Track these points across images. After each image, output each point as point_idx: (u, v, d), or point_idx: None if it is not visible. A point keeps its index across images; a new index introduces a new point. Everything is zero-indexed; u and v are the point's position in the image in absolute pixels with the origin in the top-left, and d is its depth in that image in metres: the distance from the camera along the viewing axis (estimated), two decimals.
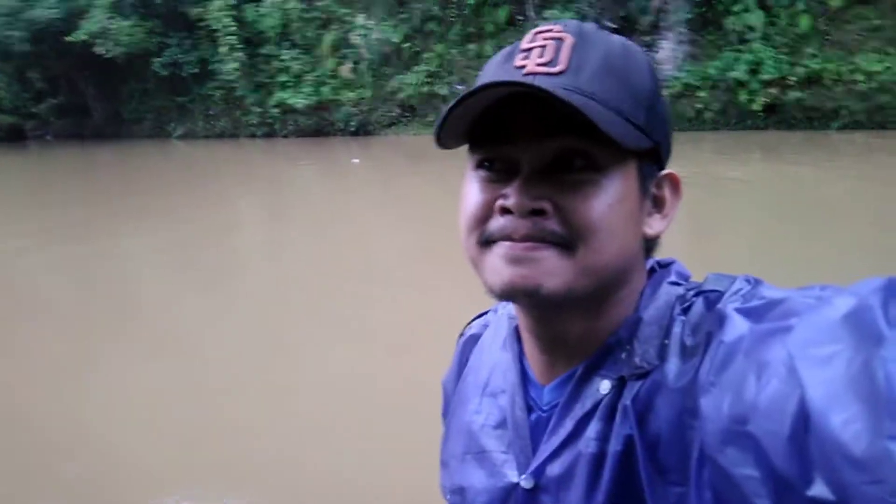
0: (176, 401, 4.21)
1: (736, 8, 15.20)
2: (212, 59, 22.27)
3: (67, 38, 22.23)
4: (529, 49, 0.65)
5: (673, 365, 0.62)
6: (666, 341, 0.64)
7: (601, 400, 0.66)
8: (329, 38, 20.75)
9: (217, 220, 10.18)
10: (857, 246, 6.33)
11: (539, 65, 0.63)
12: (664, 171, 0.70)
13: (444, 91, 19.05)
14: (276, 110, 21.70)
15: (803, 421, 0.45)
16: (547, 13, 17.34)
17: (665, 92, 0.71)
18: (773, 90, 14.69)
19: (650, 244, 0.71)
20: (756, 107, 14.87)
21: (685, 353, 0.61)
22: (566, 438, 0.67)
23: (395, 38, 19.71)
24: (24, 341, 5.43)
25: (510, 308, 0.82)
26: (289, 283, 6.70)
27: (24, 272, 7.64)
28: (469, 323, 0.94)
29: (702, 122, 15.63)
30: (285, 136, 21.82)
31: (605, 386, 0.66)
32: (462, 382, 0.87)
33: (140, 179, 15.45)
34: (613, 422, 0.64)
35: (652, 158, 0.67)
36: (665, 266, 0.73)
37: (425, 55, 19.50)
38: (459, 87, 18.60)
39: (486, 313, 0.92)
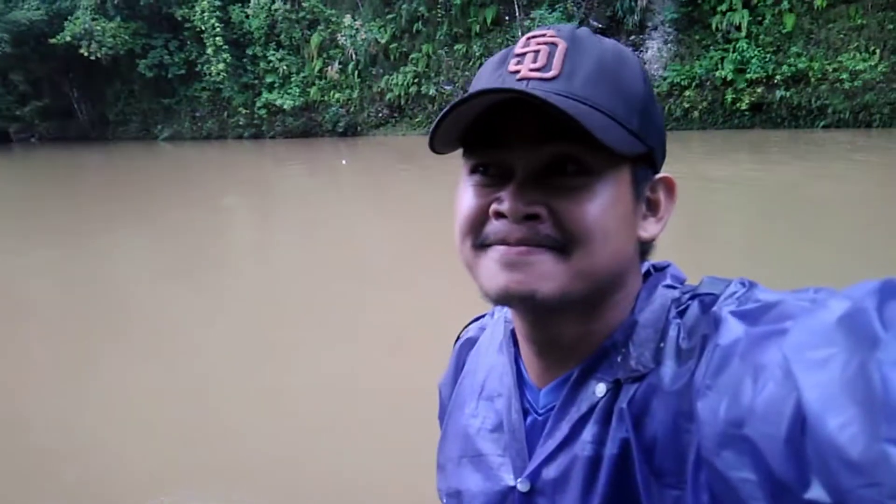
0: (172, 402, 4.20)
1: (721, 7, 15.31)
2: (198, 60, 22.16)
3: (51, 40, 22.07)
4: (523, 54, 0.65)
5: (669, 368, 0.62)
6: (661, 344, 0.64)
7: (597, 403, 0.66)
8: (316, 38, 20.71)
9: (206, 223, 10.14)
10: (845, 244, 6.39)
11: (532, 70, 0.63)
12: (659, 175, 0.70)
13: (431, 91, 19.07)
14: (263, 111, 21.65)
15: (800, 424, 0.44)
16: (534, 13, 17.39)
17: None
18: (760, 89, 14.82)
19: (645, 247, 0.71)
20: (743, 105, 15.00)
21: (681, 356, 0.62)
22: (562, 442, 0.67)
23: (383, 39, 19.71)
24: (17, 344, 5.39)
25: (507, 311, 0.82)
26: (281, 284, 6.69)
27: (12, 275, 7.58)
28: (466, 326, 0.94)
29: (689, 121, 15.73)
30: (273, 138, 21.78)
31: (600, 389, 0.66)
32: (458, 386, 0.86)
33: (127, 182, 15.36)
34: (609, 425, 0.64)
35: (646, 162, 0.67)
36: (660, 269, 0.73)
37: (413, 55, 19.51)
38: (447, 87, 18.63)
39: (482, 317, 0.92)
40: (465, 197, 0.67)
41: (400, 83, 19.46)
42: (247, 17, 21.06)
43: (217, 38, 20.82)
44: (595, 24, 16.26)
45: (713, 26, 15.47)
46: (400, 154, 16.75)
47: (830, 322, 0.47)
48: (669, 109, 15.61)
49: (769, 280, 0.62)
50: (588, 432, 0.65)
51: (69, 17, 22.21)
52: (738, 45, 15.04)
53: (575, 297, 0.63)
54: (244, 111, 22.04)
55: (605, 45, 0.66)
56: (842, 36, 14.34)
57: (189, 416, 4.03)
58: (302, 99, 20.88)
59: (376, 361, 4.61)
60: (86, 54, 22.02)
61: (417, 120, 19.67)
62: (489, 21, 18.30)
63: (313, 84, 20.90)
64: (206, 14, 20.79)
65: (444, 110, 0.60)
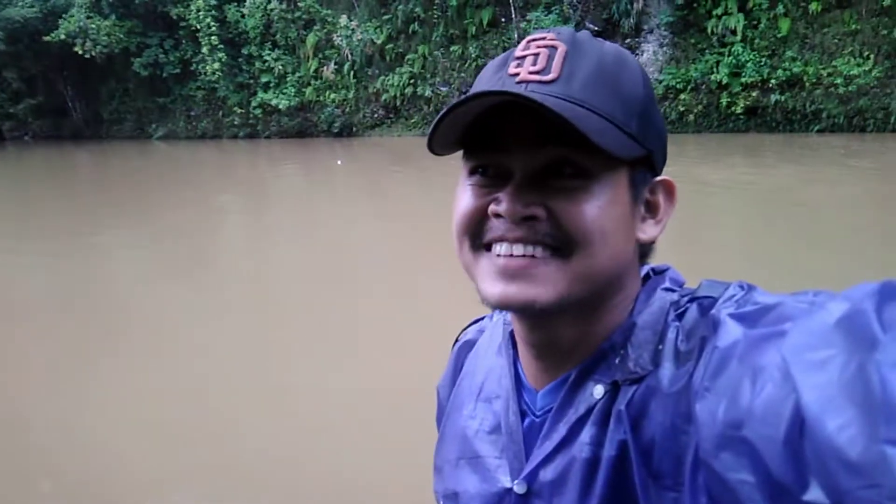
0: (171, 402, 4.19)
1: (717, 11, 15.36)
2: (193, 59, 22.11)
3: (45, 38, 21.97)
4: (523, 57, 0.65)
5: (667, 370, 0.62)
6: (660, 347, 0.64)
7: (595, 405, 0.66)
8: (312, 38, 20.69)
9: (201, 223, 10.12)
10: (839, 247, 6.42)
11: (532, 73, 0.63)
12: (659, 178, 0.70)
13: (427, 92, 19.08)
14: (258, 111, 21.61)
15: (798, 426, 0.45)
16: (530, 15, 17.42)
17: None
18: (755, 93, 14.88)
19: (645, 250, 0.71)
20: (738, 109, 15.05)
21: (679, 358, 0.62)
22: (559, 443, 0.67)
23: (379, 40, 19.71)
24: (14, 344, 5.36)
25: (506, 314, 0.82)
26: (279, 284, 6.68)
27: (8, 274, 7.54)
28: (464, 329, 0.94)
29: (685, 124, 15.78)
30: (268, 137, 21.74)
31: (598, 391, 0.66)
32: (457, 388, 0.86)
33: (122, 181, 15.31)
34: (607, 427, 0.64)
35: (645, 165, 0.68)
36: (659, 272, 0.73)
37: (409, 56, 19.51)
38: (443, 88, 18.64)
39: (481, 319, 0.92)
40: (464, 197, 0.67)
41: (396, 84, 19.46)
42: (242, 16, 21.03)
43: (212, 38, 20.77)
44: (591, 26, 16.30)
45: (709, 30, 15.52)
46: (395, 155, 16.75)
47: (829, 324, 0.47)
48: (665, 113, 15.65)
49: (765, 283, 0.63)
50: (586, 434, 0.65)
51: (64, 15, 22.12)
52: (733, 49, 15.10)
53: (574, 301, 0.64)
54: (239, 111, 22.00)
55: (606, 49, 0.66)
56: (836, 41, 14.42)
57: (188, 416, 4.02)
58: (297, 99, 20.86)
59: (375, 362, 4.61)
60: (80, 52, 21.94)
61: (413, 121, 19.67)
62: (485, 23, 18.32)
63: (309, 84, 20.88)
64: (201, 13, 20.75)
65: (443, 111, 0.61)
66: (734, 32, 15.19)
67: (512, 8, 17.80)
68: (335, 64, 20.50)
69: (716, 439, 0.51)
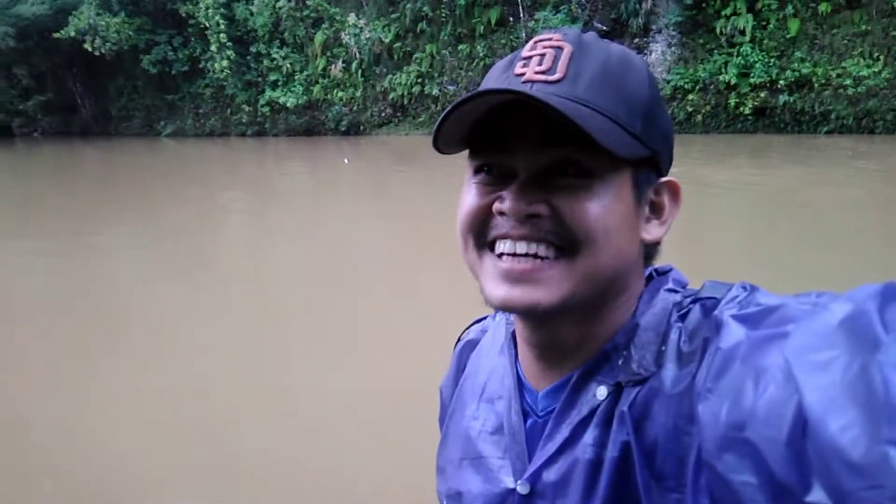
0: (171, 402, 4.19)
1: (726, 11, 15.30)
2: (202, 56, 22.18)
3: (55, 35, 22.07)
4: (529, 57, 0.66)
5: (670, 371, 0.62)
6: (663, 348, 0.64)
7: (598, 406, 0.66)
8: (320, 37, 20.71)
9: (207, 221, 10.15)
10: (841, 249, 6.39)
11: (537, 73, 0.64)
12: (664, 179, 0.70)
13: (435, 91, 19.08)
14: (266, 109, 21.66)
15: (801, 427, 0.45)
16: (538, 14, 17.40)
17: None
18: (763, 93, 14.82)
19: (650, 251, 0.71)
20: (746, 110, 14.99)
21: (682, 359, 0.62)
22: (562, 444, 0.67)
23: (387, 38, 19.72)
24: (15, 343, 5.37)
25: (506, 313, 0.82)
26: (281, 283, 6.69)
27: (11, 272, 7.58)
28: (467, 328, 0.94)
29: (692, 125, 15.73)
30: (276, 135, 21.79)
31: (601, 392, 0.66)
32: (460, 388, 0.86)
33: (129, 178, 15.37)
34: (610, 428, 0.64)
35: (649, 166, 0.68)
36: (663, 273, 0.73)
37: (416, 55, 19.52)
38: (451, 87, 18.63)
39: (484, 319, 0.92)
40: (469, 196, 0.68)
41: (403, 83, 19.47)
42: (251, 14, 21.08)
43: (221, 35, 20.83)
44: (599, 26, 16.27)
45: (717, 30, 15.47)
46: (402, 154, 16.77)
47: (832, 325, 0.47)
48: (672, 113, 15.61)
49: (768, 284, 0.63)
50: (589, 435, 0.65)
51: (73, 12, 22.23)
52: (742, 50, 15.04)
53: (578, 301, 0.64)
54: (247, 108, 22.06)
55: (612, 50, 0.67)
56: (846, 42, 14.34)
57: (189, 415, 4.02)
58: (305, 97, 20.90)
59: (376, 361, 4.61)
60: (90, 49, 22.04)
61: (420, 120, 19.68)
62: (493, 22, 18.31)
63: (317, 82, 20.92)
64: (210, 11, 20.81)
65: (448, 109, 0.61)
66: (743, 33, 15.14)
67: (520, 7, 17.78)
68: (343, 62, 20.52)
69: (718, 441, 0.51)
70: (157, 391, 4.34)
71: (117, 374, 4.68)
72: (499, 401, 0.77)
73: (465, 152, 0.70)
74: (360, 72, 20.28)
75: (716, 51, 15.57)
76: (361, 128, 20.67)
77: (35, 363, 4.94)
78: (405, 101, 19.81)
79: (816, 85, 14.31)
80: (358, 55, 20.15)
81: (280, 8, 20.70)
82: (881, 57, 13.83)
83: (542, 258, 0.63)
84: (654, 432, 0.61)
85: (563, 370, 0.70)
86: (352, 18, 19.97)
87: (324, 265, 7.28)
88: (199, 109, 23.74)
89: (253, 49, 21.57)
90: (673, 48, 16.40)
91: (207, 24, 20.95)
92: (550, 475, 0.68)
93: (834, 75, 14.11)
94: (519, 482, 0.70)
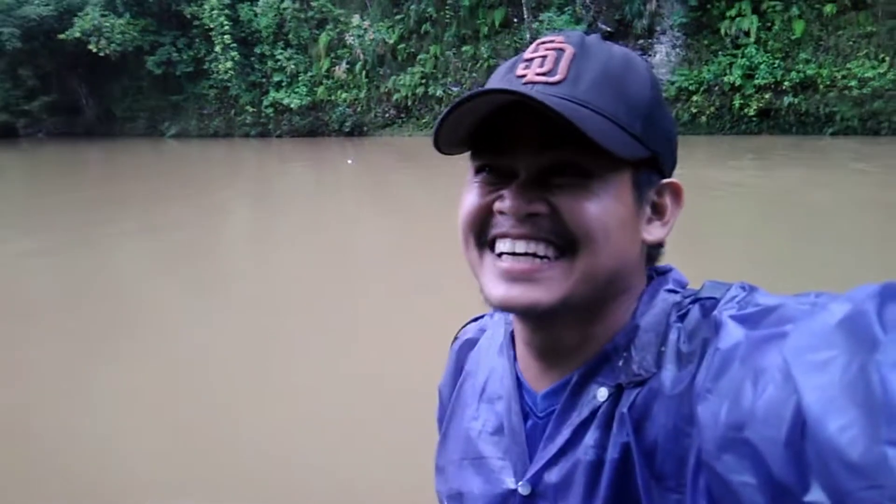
0: (171, 402, 4.21)
1: (731, 13, 15.29)
2: (206, 58, 22.24)
3: (60, 36, 22.17)
4: (531, 59, 0.66)
5: (669, 372, 0.62)
6: (662, 349, 0.64)
7: (598, 407, 0.66)
8: (324, 38, 20.76)
9: (210, 221, 10.18)
10: (847, 250, 6.37)
11: (538, 74, 0.64)
12: (666, 180, 0.70)
13: (439, 92, 19.10)
14: (270, 110, 21.72)
15: (800, 427, 0.45)
16: (542, 16, 17.40)
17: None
18: (768, 95, 14.80)
19: (653, 252, 0.72)
20: (750, 111, 14.97)
21: (681, 360, 0.62)
22: (563, 446, 0.67)
23: (391, 39, 19.75)
24: (18, 342, 5.39)
25: (505, 313, 0.82)
26: (282, 284, 6.70)
27: (13, 272, 7.60)
28: (463, 327, 0.94)
29: (697, 126, 15.71)
30: (279, 136, 21.84)
31: (602, 393, 0.66)
32: (459, 388, 0.86)
33: (132, 179, 15.41)
34: (610, 429, 0.64)
35: (650, 167, 0.68)
36: (662, 273, 0.73)
37: (420, 56, 19.54)
38: (455, 88, 18.65)
39: (481, 317, 0.92)
40: (470, 195, 0.68)
41: (407, 84, 19.49)
42: (255, 15, 21.14)
43: (225, 37, 20.89)
44: (604, 27, 16.27)
45: (722, 31, 15.46)
46: (405, 155, 16.79)
47: (830, 325, 0.47)
48: (677, 114, 15.60)
49: (767, 283, 0.63)
50: (590, 437, 0.65)
51: (79, 14, 22.33)
52: (746, 51, 15.02)
53: (577, 301, 0.64)
54: (251, 109, 22.11)
55: (613, 52, 0.67)
56: (851, 43, 14.31)
57: (189, 415, 4.03)
58: (309, 98, 20.95)
59: (374, 361, 4.62)
60: (94, 50, 22.14)
61: (424, 121, 19.70)
62: (497, 23, 18.32)
63: (321, 83, 20.96)
64: (214, 12, 20.88)
65: (447, 108, 0.62)
66: (748, 34, 15.12)
67: (524, 8, 17.78)
68: (347, 63, 20.56)
69: (718, 441, 0.51)
70: (156, 391, 4.36)
71: (119, 373, 4.69)
72: (498, 401, 0.77)
73: (467, 153, 0.71)
74: (363, 73, 20.32)
75: (720, 52, 15.55)
76: (365, 129, 20.70)
77: (36, 362, 4.96)
78: (409, 103, 19.84)
79: (821, 86, 14.28)
80: (362, 56, 20.19)
81: (284, 9, 20.75)
82: (886, 58, 13.80)
83: (541, 258, 0.64)
84: (653, 433, 0.61)
85: (562, 371, 0.70)
86: (356, 20, 20.01)
87: (324, 265, 7.30)
88: (203, 110, 23.81)
89: (257, 50, 21.63)
90: (677, 49, 16.38)
91: (212, 26, 21.02)
92: (552, 476, 0.68)
93: (839, 77, 14.08)
94: (520, 483, 0.70)
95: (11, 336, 5.51)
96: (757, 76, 14.75)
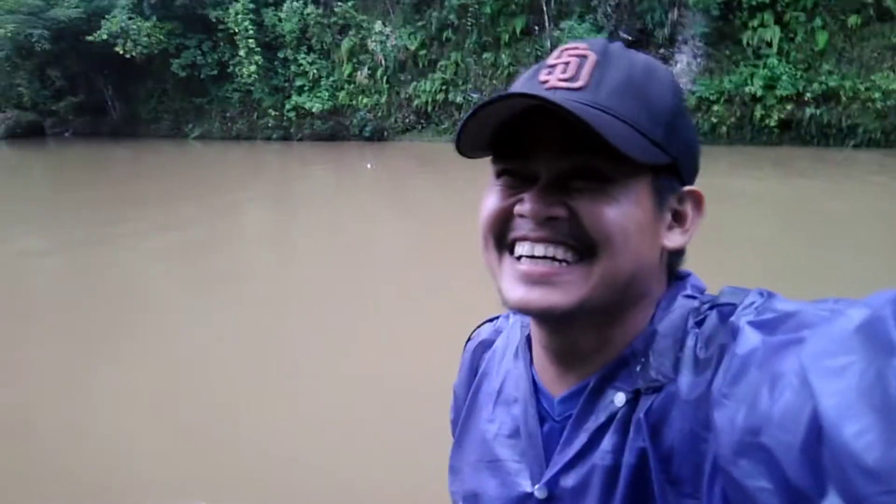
0: (171, 402, 4.21)
1: (753, 23, 15.15)
2: (230, 61, 22.43)
3: (88, 38, 22.45)
4: (554, 65, 0.67)
5: (686, 378, 0.62)
6: (680, 354, 0.64)
7: (616, 412, 0.66)
8: (346, 43, 20.86)
9: (225, 222, 10.24)
10: (865, 260, 6.29)
11: (561, 80, 0.65)
12: (687, 188, 0.71)
13: (458, 99, 19.10)
14: (292, 114, 21.82)
15: (816, 432, 0.45)
16: (563, 24, 17.36)
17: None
18: (789, 106, 14.63)
19: (674, 259, 0.72)
20: (771, 122, 14.81)
21: (698, 365, 0.62)
22: (580, 450, 0.68)
23: (412, 46, 19.79)
24: (18, 343, 5.39)
25: (521, 316, 0.83)
26: (291, 285, 6.72)
27: (21, 270, 7.65)
28: (477, 327, 0.94)
29: (717, 136, 15.58)
30: (300, 140, 21.93)
31: (619, 398, 0.66)
32: (475, 389, 0.87)
33: (154, 179, 15.54)
34: (628, 435, 0.65)
35: (670, 173, 0.68)
36: (681, 279, 0.73)
37: (441, 63, 19.56)
38: (475, 94, 18.64)
39: (496, 318, 0.92)
40: (490, 198, 0.69)
41: (428, 90, 19.51)
42: (279, 20, 21.28)
43: (250, 41, 21.05)
44: (625, 36, 16.20)
45: (744, 42, 15.31)
46: (425, 160, 16.80)
47: (848, 330, 0.47)
48: (697, 124, 15.47)
49: (786, 293, 0.63)
50: (607, 442, 0.66)
51: (106, 16, 22.58)
52: (768, 62, 14.87)
53: (595, 305, 0.65)
54: (273, 113, 22.24)
55: (636, 59, 0.68)
56: (875, 55, 14.13)
57: (188, 415, 4.04)
58: (330, 103, 21.03)
59: (376, 362, 4.62)
60: (121, 52, 22.38)
61: (444, 127, 19.70)
62: (518, 31, 18.30)
63: (342, 88, 21.04)
64: (239, 16, 21.04)
65: (471, 111, 0.63)
66: (770, 45, 14.97)
67: (546, 17, 17.76)
68: (368, 69, 20.63)
69: (734, 446, 0.52)
70: (158, 391, 4.36)
71: (120, 372, 4.70)
72: (514, 404, 0.78)
73: (488, 158, 0.72)
74: (385, 78, 20.37)
75: (742, 62, 15.41)
76: (385, 134, 20.75)
77: (38, 361, 4.97)
78: (429, 109, 19.85)
79: (844, 98, 14.09)
80: (383, 62, 20.25)
81: (308, 15, 20.88)
82: None
83: (560, 261, 0.64)
84: (670, 438, 0.61)
85: (579, 375, 0.71)
86: (378, 26, 20.08)
87: (336, 266, 7.32)
88: (226, 113, 23.99)
89: (280, 55, 21.77)
90: (699, 59, 16.27)
91: (236, 30, 21.18)
92: (568, 481, 0.69)
93: (862, 89, 13.89)
94: (537, 487, 0.71)
95: (14, 335, 5.54)
96: (779, 87, 14.59)
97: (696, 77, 16.10)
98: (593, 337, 0.69)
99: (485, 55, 18.86)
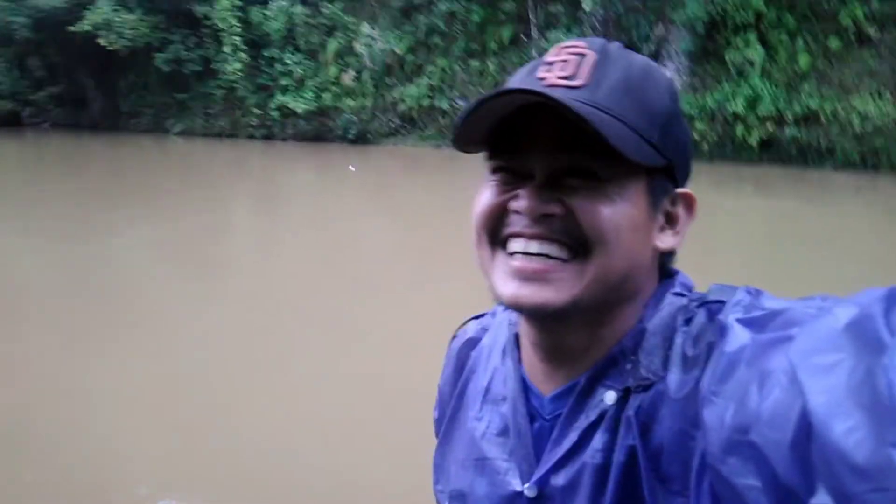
0: (170, 401, 4.19)
1: (737, 42, 15.36)
2: (215, 58, 22.27)
3: (71, 28, 22.17)
4: (553, 62, 0.67)
5: (674, 375, 0.62)
6: (669, 352, 0.65)
7: (606, 411, 0.66)
8: (333, 45, 20.80)
9: (211, 219, 10.15)
10: (840, 282, 6.38)
11: (560, 78, 0.65)
12: (680, 190, 0.71)
13: (444, 105, 19.12)
14: (276, 113, 21.70)
15: (805, 430, 0.45)
16: (550, 35, 17.48)
17: None
18: (770, 125, 14.83)
19: (665, 259, 0.72)
20: (752, 141, 15.01)
21: (686, 363, 0.62)
22: (571, 449, 0.68)
23: (399, 50, 19.79)
24: (12, 337, 5.33)
25: (510, 313, 0.82)
26: (282, 285, 6.68)
27: (11, 264, 7.55)
28: (463, 325, 0.93)
29: (699, 153, 15.74)
30: (284, 140, 21.82)
31: (610, 397, 0.66)
32: (462, 387, 0.86)
33: (135, 173, 15.38)
34: (617, 433, 0.65)
35: (665, 175, 0.69)
36: (669, 277, 0.74)
37: (428, 68, 19.58)
38: (460, 101, 18.68)
39: (482, 316, 0.92)
40: (485, 194, 0.69)
41: (413, 95, 19.51)
42: (266, 18, 21.18)
43: (235, 38, 20.92)
44: None
45: (728, 60, 15.52)
46: (408, 164, 16.81)
47: (837, 328, 0.47)
48: None
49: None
50: (598, 440, 0.66)
51: (90, 7, 22.32)
52: (751, 81, 15.07)
53: (587, 304, 0.64)
54: (257, 111, 22.10)
55: (634, 60, 0.68)
56: (855, 79, 14.38)
57: (187, 414, 4.02)
58: (315, 104, 20.94)
59: (375, 361, 4.61)
60: (104, 44, 22.12)
61: (428, 132, 19.70)
62: (506, 40, 18.39)
63: (327, 90, 20.97)
64: (226, 13, 20.92)
65: (472, 105, 0.62)
66: (753, 64, 15.19)
67: (533, 27, 17.88)
68: (355, 71, 20.60)
69: (723, 444, 0.52)
70: (153, 392, 4.33)
71: (119, 372, 4.65)
72: (503, 403, 0.77)
73: (475, 156, 0.71)
74: (370, 81, 20.35)
75: (725, 80, 15.61)
76: (369, 137, 20.70)
77: (32, 360, 4.90)
78: (414, 114, 19.84)
79: (824, 119, 14.33)
80: (370, 65, 20.23)
81: (295, 14, 20.80)
82: (889, 96, 13.87)
83: (553, 258, 0.64)
84: (659, 436, 0.61)
85: (569, 373, 0.71)
86: (366, 28, 20.06)
87: (324, 267, 7.29)
88: (208, 110, 23.79)
89: (266, 53, 21.65)
90: (682, 76, 16.46)
91: (222, 27, 21.05)
92: (559, 479, 0.68)
93: (842, 111, 14.13)
94: (527, 485, 0.70)
95: (3, 332, 5.45)
96: (760, 106, 14.79)
97: (680, 93, 16.25)
98: (584, 335, 0.69)
99: (472, 62, 18.91)
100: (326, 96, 20.88)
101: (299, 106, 20.85)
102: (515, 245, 0.66)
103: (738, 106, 14.95)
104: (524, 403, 0.74)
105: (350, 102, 20.62)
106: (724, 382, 0.54)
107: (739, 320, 0.57)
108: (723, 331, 0.58)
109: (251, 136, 22.52)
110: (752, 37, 15.16)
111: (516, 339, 0.79)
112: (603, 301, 0.66)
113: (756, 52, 15.09)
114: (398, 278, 6.60)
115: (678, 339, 0.64)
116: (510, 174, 0.67)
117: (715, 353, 0.58)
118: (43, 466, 3.50)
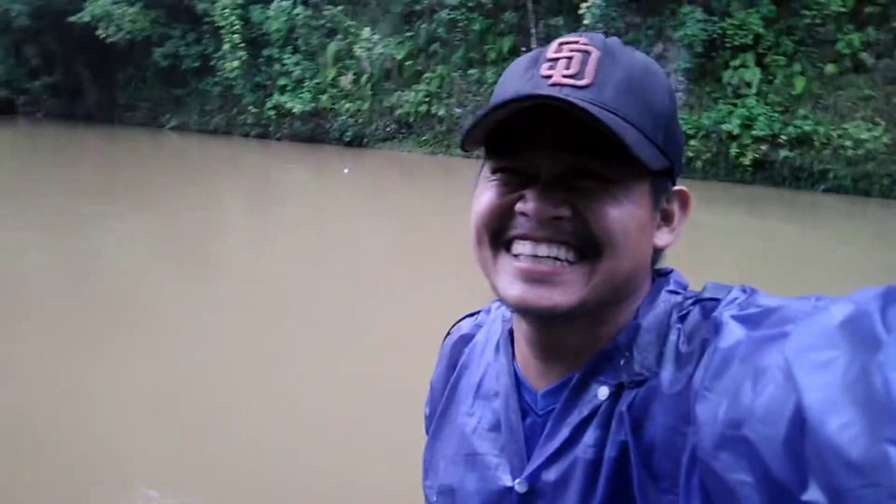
0: (170, 401, 4.16)
1: (735, 63, 15.49)
2: (213, 55, 22.23)
3: (70, 18, 22.08)
4: (555, 59, 0.65)
5: (668, 372, 0.62)
6: (663, 349, 0.64)
7: (599, 406, 0.66)
8: (333, 47, 20.82)
9: (206, 217, 10.12)
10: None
11: (565, 76, 0.64)
12: (675, 188, 0.71)
13: (441, 112, 19.15)
14: (272, 112, 21.67)
15: (799, 425, 0.45)
16: None
17: None
18: (764, 147, 14.94)
19: (656, 256, 0.72)
20: (746, 161, 15.11)
21: (680, 360, 0.62)
22: (563, 444, 0.67)
23: (399, 55, 19.83)
24: (12, 337, 5.26)
25: (503, 310, 0.82)
26: (282, 284, 6.66)
27: (3, 259, 7.47)
28: (457, 322, 0.93)
29: (692, 170, 15.83)
30: (279, 139, 21.78)
31: (603, 392, 0.66)
32: (454, 383, 0.86)
33: (130, 167, 15.31)
34: (609, 428, 0.64)
35: (666, 175, 0.69)
36: (664, 275, 0.74)
37: (426, 75, 19.62)
38: (458, 109, 18.72)
39: (476, 313, 0.91)
40: (486, 195, 0.68)
41: (411, 101, 19.53)
42: (267, 18, 21.18)
43: (235, 36, 20.90)
44: None
45: (724, 80, 15.64)
46: (403, 169, 16.82)
47: (832, 325, 0.47)
48: None
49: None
50: (590, 436, 0.65)
51: None
52: (747, 102, 15.19)
53: (593, 305, 0.65)
54: (254, 110, 22.06)
55: (635, 57, 0.68)
56: (849, 104, 14.53)
57: (186, 414, 4.00)
58: (312, 105, 20.93)
59: (374, 361, 4.60)
60: (102, 36, 22.04)
61: (425, 138, 19.72)
62: (506, 50, 18.46)
63: (325, 91, 20.97)
64: (227, 11, 20.90)
65: (482, 113, 0.61)
66: (749, 85, 15.31)
67: (533, 38, 17.96)
68: (353, 74, 20.61)
69: (715, 439, 0.52)
70: (151, 391, 4.30)
71: (119, 372, 4.62)
72: (495, 398, 0.77)
73: (472, 158, 0.71)
74: (369, 85, 20.37)
75: (721, 100, 15.72)
76: (365, 140, 20.70)
77: (29, 360, 4.85)
78: (411, 119, 19.86)
79: (817, 143, 14.45)
80: (368, 69, 20.26)
81: (296, 15, 20.81)
82: (882, 122, 14.02)
83: (562, 261, 0.64)
84: (652, 432, 0.61)
85: (563, 369, 0.71)
86: (366, 32, 20.08)
87: (320, 266, 7.28)
88: (205, 106, 23.72)
89: (265, 52, 21.64)
90: (679, 94, 16.56)
91: (222, 24, 21.03)
92: (550, 475, 0.68)
93: (835, 136, 14.26)
94: (517, 481, 0.70)
95: (2, 332, 5.40)
96: (755, 127, 14.91)
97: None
98: (582, 334, 0.69)
99: (470, 71, 18.97)
100: (324, 98, 20.87)
101: (296, 106, 20.83)
102: (522, 248, 0.65)
103: (734, 126, 15.06)
104: (516, 399, 0.74)
105: (347, 105, 20.63)
106: (718, 378, 0.54)
107: (734, 317, 0.57)
108: (717, 327, 0.58)
109: (246, 135, 22.47)
110: (750, 58, 15.29)
111: (510, 334, 0.78)
112: (609, 301, 0.66)
113: (753, 74, 15.22)
114: (397, 279, 6.60)
115: (672, 336, 0.64)
116: (512, 174, 0.66)
117: (709, 349, 0.58)
118: (43, 466, 3.47)
